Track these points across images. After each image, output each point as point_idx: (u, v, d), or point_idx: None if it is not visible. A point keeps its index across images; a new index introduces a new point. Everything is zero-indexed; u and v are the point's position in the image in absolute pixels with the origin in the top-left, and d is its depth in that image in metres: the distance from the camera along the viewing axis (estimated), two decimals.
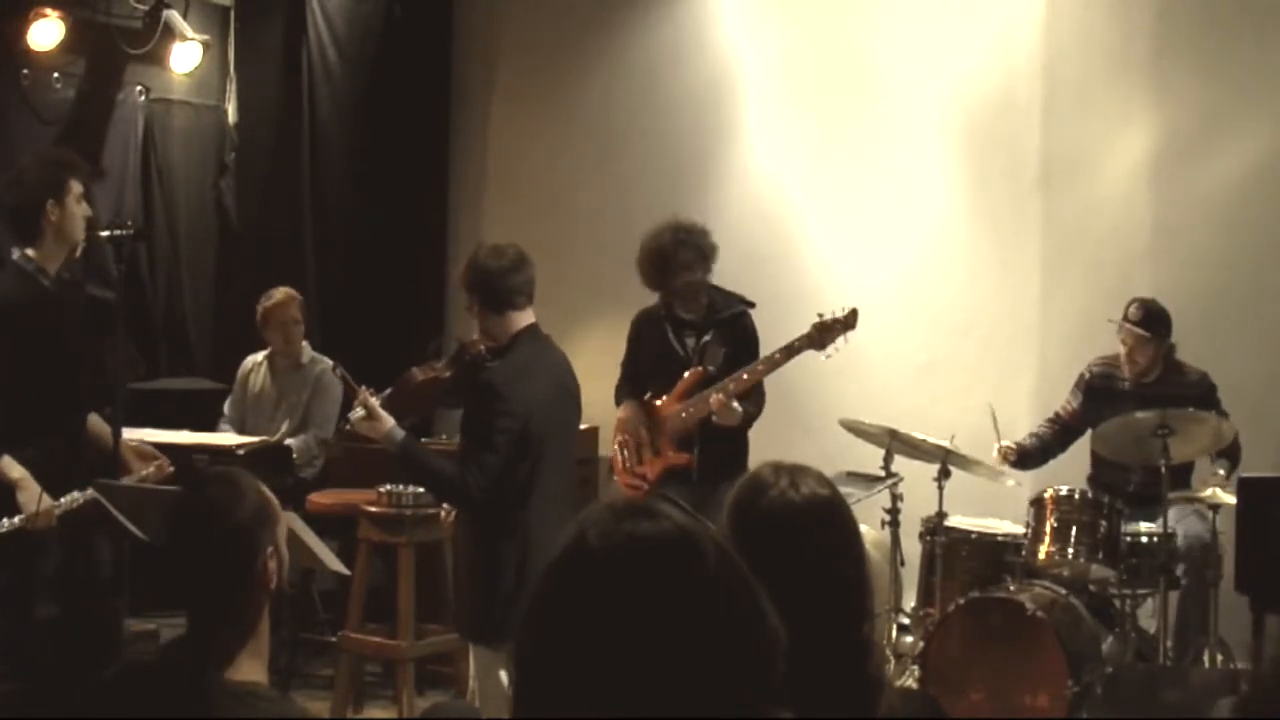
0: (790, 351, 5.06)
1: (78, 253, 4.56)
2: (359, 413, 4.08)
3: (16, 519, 4.16)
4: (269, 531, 2.35)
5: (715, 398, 5.00)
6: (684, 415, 5.13)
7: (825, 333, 5.02)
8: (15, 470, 4.21)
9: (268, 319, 6.15)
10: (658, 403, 5.23)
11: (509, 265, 4.10)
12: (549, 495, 4.06)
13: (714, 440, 5.09)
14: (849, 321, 5.03)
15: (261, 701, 2.25)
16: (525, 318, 4.14)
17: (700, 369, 5.15)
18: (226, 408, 6.26)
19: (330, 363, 6.17)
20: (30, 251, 4.39)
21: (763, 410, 5.24)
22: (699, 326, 5.22)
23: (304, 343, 6.24)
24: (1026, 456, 5.65)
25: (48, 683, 4.31)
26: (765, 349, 5.28)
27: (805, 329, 5.11)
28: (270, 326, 6.16)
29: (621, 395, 5.41)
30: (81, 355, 4.58)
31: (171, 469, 4.58)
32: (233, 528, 2.30)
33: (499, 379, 4.02)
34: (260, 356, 6.27)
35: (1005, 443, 5.59)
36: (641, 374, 5.38)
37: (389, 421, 4.05)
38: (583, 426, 6.72)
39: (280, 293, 6.17)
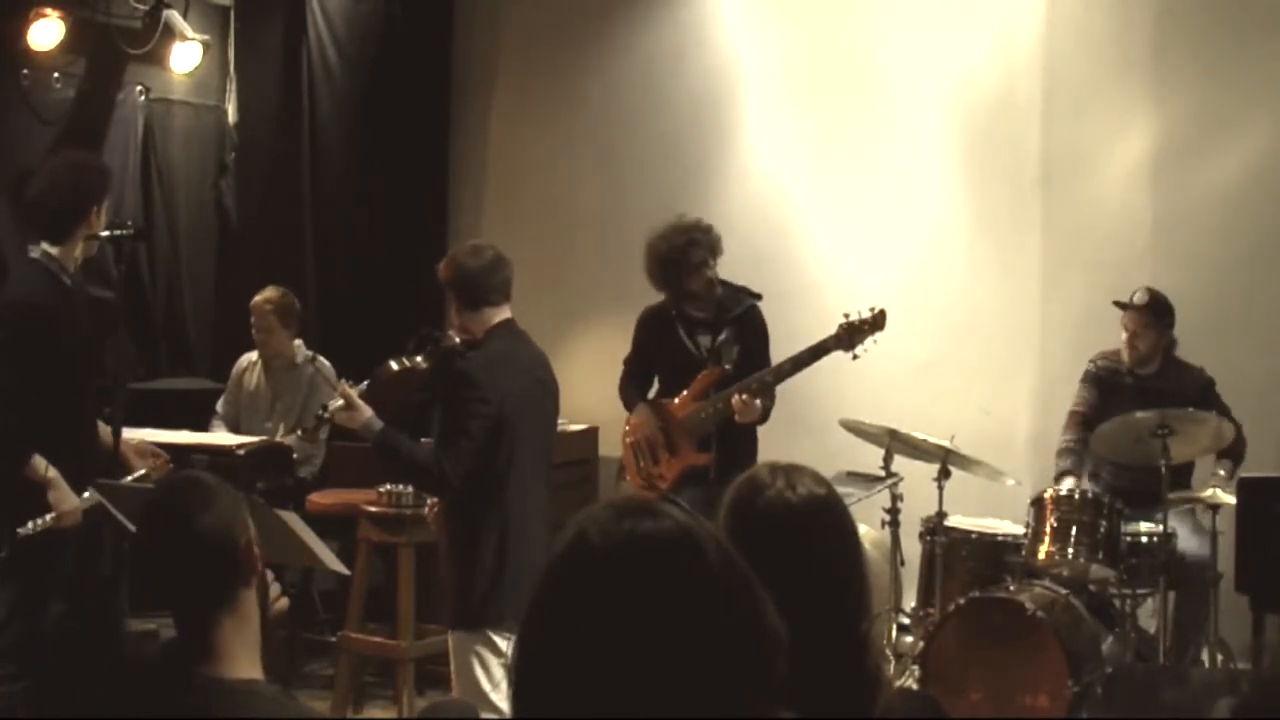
0: (819, 352, 5.09)
1: (93, 250, 4.58)
2: (337, 403, 4.14)
3: (48, 516, 4.19)
4: (243, 520, 2.36)
5: (738, 398, 5.02)
6: (704, 415, 5.13)
7: (854, 334, 5.06)
8: (47, 469, 4.23)
9: (253, 319, 6.15)
10: (673, 403, 5.24)
11: (487, 265, 4.19)
12: (525, 484, 4.13)
13: (731, 439, 5.12)
14: (877, 322, 5.05)
15: (261, 699, 2.25)
16: (501, 313, 4.22)
17: (719, 368, 5.16)
18: (220, 405, 6.27)
19: (326, 362, 6.18)
20: (53, 250, 4.40)
21: (772, 407, 5.26)
22: (712, 325, 5.25)
23: (298, 342, 6.24)
24: (1080, 468, 5.57)
25: (49, 682, 4.31)
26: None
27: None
28: (256, 327, 6.16)
29: (629, 398, 5.42)
30: (91, 354, 4.59)
31: (171, 465, 4.60)
32: (211, 529, 2.30)
33: (473, 368, 4.09)
34: (255, 355, 6.28)
35: (1067, 483, 5.41)
36: (649, 373, 5.39)
37: (367, 411, 4.11)
38: (582, 426, 6.77)
39: (263, 294, 6.15)
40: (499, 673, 4.01)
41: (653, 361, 5.41)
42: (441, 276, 4.27)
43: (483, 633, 4.03)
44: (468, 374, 4.07)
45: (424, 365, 4.34)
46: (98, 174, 4.57)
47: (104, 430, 4.60)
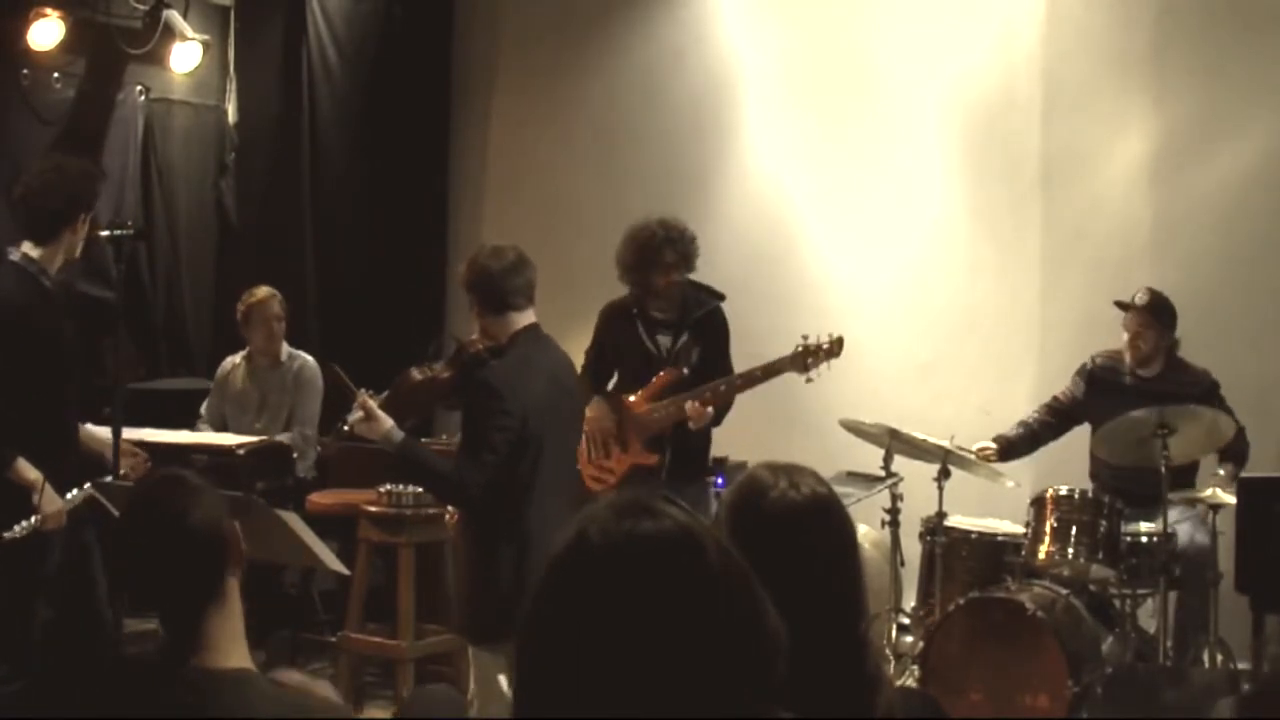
0: (771, 371, 5.07)
1: (76, 253, 4.57)
2: (357, 414, 4.04)
3: (33, 520, 4.17)
4: (226, 513, 2.35)
5: (692, 406, 4.99)
6: (658, 416, 5.11)
7: (809, 357, 5.02)
8: (31, 472, 4.22)
9: (250, 316, 6.16)
10: (630, 399, 5.21)
11: (509, 266, 4.09)
12: (548, 495, 4.02)
13: (684, 441, 5.09)
14: (833, 350, 5.02)
15: (253, 687, 2.25)
16: (525, 318, 4.12)
17: (676, 370, 5.13)
18: (204, 408, 6.27)
19: (311, 359, 6.19)
20: (33, 252, 4.40)
21: (728, 412, 5.22)
22: (674, 325, 5.20)
23: (282, 340, 6.27)
24: (1011, 448, 5.65)
25: (46, 683, 4.31)
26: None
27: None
28: (252, 324, 6.16)
29: (583, 390, 5.38)
30: (77, 354, 4.58)
31: (149, 464, 4.59)
32: (201, 524, 2.30)
33: (496, 378, 3.99)
34: (238, 357, 6.29)
35: (982, 444, 5.58)
36: (606, 367, 5.35)
37: (387, 422, 4.02)
38: None
39: (262, 290, 6.18)
40: None
41: (612, 357, 5.35)
42: (462, 280, 4.17)
43: (507, 650, 3.91)
44: (490, 384, 3.96)
45: (445, 374, 4.25)
46: (89, 180, 4.54)
47: (98, 430, 4.61)
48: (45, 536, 4.25)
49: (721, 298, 5.28)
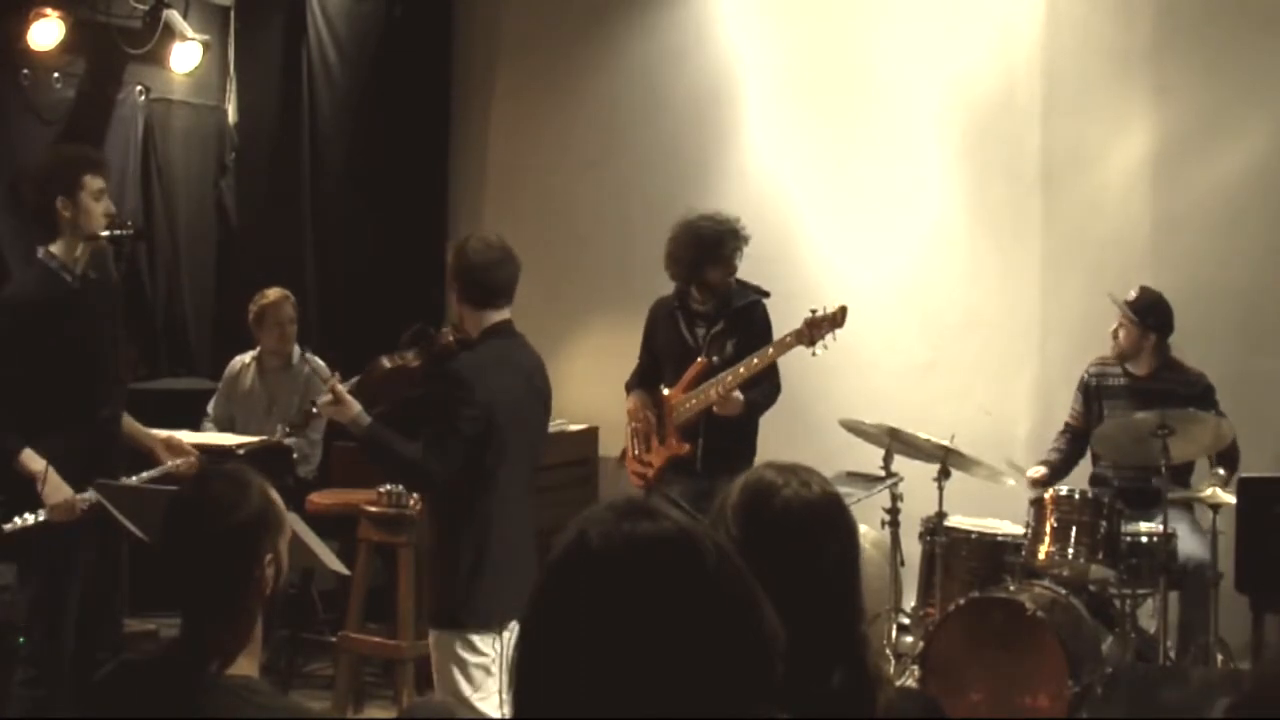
0: (781, 346, 5.18)
1: (103, 245, 4.54)
2: (326, 398, 4.10)
3: (40, 512, 4.18)
4: (270, 537, 2.34)
5: (714, 390, 5.12)
6: (687, 406, 5.22)
7: (815, 329, 5.12)
8: (37, 462, 4.24)
9: (262, 318, 6.16)
10: (667, 392, 5.33)
11: (495, 260, 4.12)
12: (510, 487, 4.09)
13: (718, 432, 5.17)
14: (837, 319, 5.13)
15: (256, 695, 2.25)
16: (501, 314, 4.16)
17: (704, 360, 5.24)
18: (211, 407, 6.27)
19: (322, 363, 6.18)
20: (52, 249, 4.42)
21: (774, 401, 5.28)
22: (710, 317, 5.32)
23: (294, 343, 6.26)
24: (1055, 473, 5.63)
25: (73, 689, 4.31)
26: None
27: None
28: (265, 326, 6.16)
29: (630, 385, 5.49)
30: (107, 352, 4.56)
31: (199, 463, 4.63)
32: (232, 528, 2.29)
33: (466, 369, 4.04)
34: (248, 357, 6.28)
35: (1035, 470, 5.56)
36: (655, 363, 5.46)
37: (355, 406, 4.07)
38: (582, 426, 6.78)
39: (274, 292, 6.19)
40: (478, 674, 4.00)
41: (657, 352, 5.46)
42: (449, 268, 4.22)
43: (461, 634, 3.99)
44: (459, 374, 4.02)
45: (415, 363, 4.30)
46: (65, 164, 4.48)
47: (137, 429, 4.65)
48: (65, 530, 4.25)
49: (765, 294, 5.39)
